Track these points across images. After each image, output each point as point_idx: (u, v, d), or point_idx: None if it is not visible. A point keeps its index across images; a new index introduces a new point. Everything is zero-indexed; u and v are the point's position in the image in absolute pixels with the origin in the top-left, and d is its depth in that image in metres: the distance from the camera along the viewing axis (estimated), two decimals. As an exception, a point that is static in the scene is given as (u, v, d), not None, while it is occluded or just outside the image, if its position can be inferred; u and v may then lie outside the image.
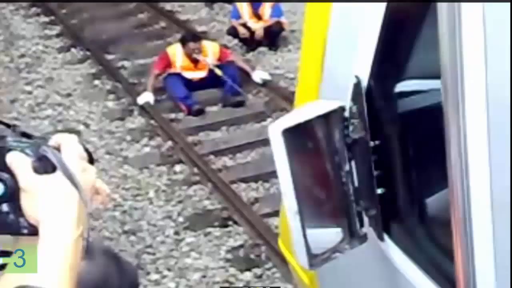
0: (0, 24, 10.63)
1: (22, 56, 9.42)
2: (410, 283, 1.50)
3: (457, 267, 1.22)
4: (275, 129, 1.45)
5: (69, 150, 1.09)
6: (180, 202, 6.23)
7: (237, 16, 8.94)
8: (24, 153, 1.06)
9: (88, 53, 9.28)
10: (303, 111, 1.51)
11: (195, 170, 6.53)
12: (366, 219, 1.56)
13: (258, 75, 7.93)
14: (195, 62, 7.75)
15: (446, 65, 1.13)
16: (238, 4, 8.96)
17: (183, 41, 7.79)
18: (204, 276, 5.40)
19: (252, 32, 8.83)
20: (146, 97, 7.67)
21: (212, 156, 6.75)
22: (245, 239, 5.69)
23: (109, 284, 1.55)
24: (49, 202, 1.05)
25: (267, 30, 8.79)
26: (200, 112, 7.45)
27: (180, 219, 6.02)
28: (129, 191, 6.45)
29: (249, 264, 5.43)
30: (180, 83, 7.64)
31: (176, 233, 5.85)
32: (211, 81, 7.72)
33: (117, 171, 6.73)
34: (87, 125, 7.60)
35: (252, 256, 5.52)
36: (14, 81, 8.71)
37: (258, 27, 8.80)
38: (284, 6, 9.03)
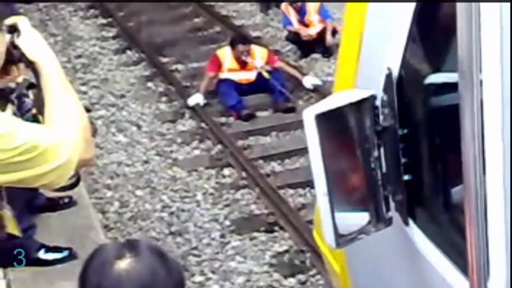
0: (58, 24, 11.05)
1: (79, 56, 9.79)
2: (432, 266, 1.61)
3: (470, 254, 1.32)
4: (309, 113, 1.59)
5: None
6: (227, 205, 6.38)
7: (289, 22, 9.14)
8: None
9: (143, 55, 9.60)
10: (336, 98, 1.65)
11: (244, 174, 6.69)
12: (392, 204, 1.68)
13: (309, 81, 8.07)
14: (243, 64, 7.95)
15: (463, 59, 1.25)
16: (285, 11, 9.15)
17: (233, 43, 8.02)
18: (248, 280, 5.52)
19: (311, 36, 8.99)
20: (197, 99, 7.91)
21: (261, 161, 6.91)
22: (290, 244, 5.80)
23: (156, 281, 1.62)
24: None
25: (319, 34, 8.93)
26: (250, 117, 7.62)
27: (227, 222, 6.16)
28: (177, 192, 6.64)
29: (294, 270, 5.54)
30: (232, 90, 7.84)
31: (222, 236, 5.99)
32: (260, 85, 7.90)
33: (166, 173, 6.94)
34: (139, 126, 7.85)
35: (296, 262, 5.62)
36: (70, 81, 8.88)
37: (315, 32, 8.95)
38: (337, 13, 9.11)
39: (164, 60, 9.43)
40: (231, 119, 7.75)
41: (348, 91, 1.72)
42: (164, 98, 8.43)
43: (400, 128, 1.64)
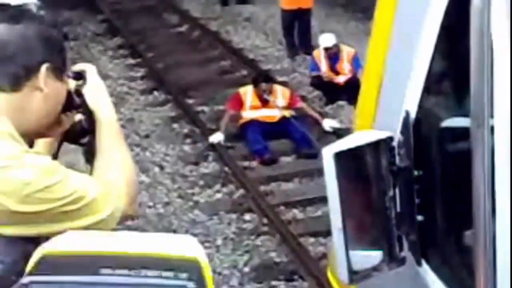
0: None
1: (107, 96, 10.01)
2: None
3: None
4: (328, 151, 1.69)
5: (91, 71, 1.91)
6: (247, 252, 6.42)
7: (316, 68, 9.34)
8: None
9: (169, 96, 9.81)
10: (355, 138, 1.75)
11: (265, 220, 6.75)
12: (405, 244, 1.76)
13: (328, 123, 8.24)
14: (265, 102, 8.14)
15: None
16: (316, 57, 9.36)
17: (255, 82, 8.23)
18: (265, 330, 5.53)
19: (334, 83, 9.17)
20: (218, 137, 8.08)
21: (282, 207, 6.97)
22: (310, 294, 5.81)
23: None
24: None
25: (348, 82, 9.08)
26: (272, 162, 7.72)
27: (246, 269, 6.19)
28: (197, 237, 6.69)
29: (312, 320, 5.55)
30: (257, 134, 7.97)
31: (241, 283, 6.02)
32: (284, 128, 8.04)
33: (187, 216, 7.02)
34: (162, 167, 7.99)
35: (315, 312, 5.64)
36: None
37: (344, 80, 9.13)
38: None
39: (190, 101, 9.63)
40: (254, 163, 7.86)
41: (367, 131, 1.82)
42: (188, 140, 8.59)
43: (415, 169, 1.73)
